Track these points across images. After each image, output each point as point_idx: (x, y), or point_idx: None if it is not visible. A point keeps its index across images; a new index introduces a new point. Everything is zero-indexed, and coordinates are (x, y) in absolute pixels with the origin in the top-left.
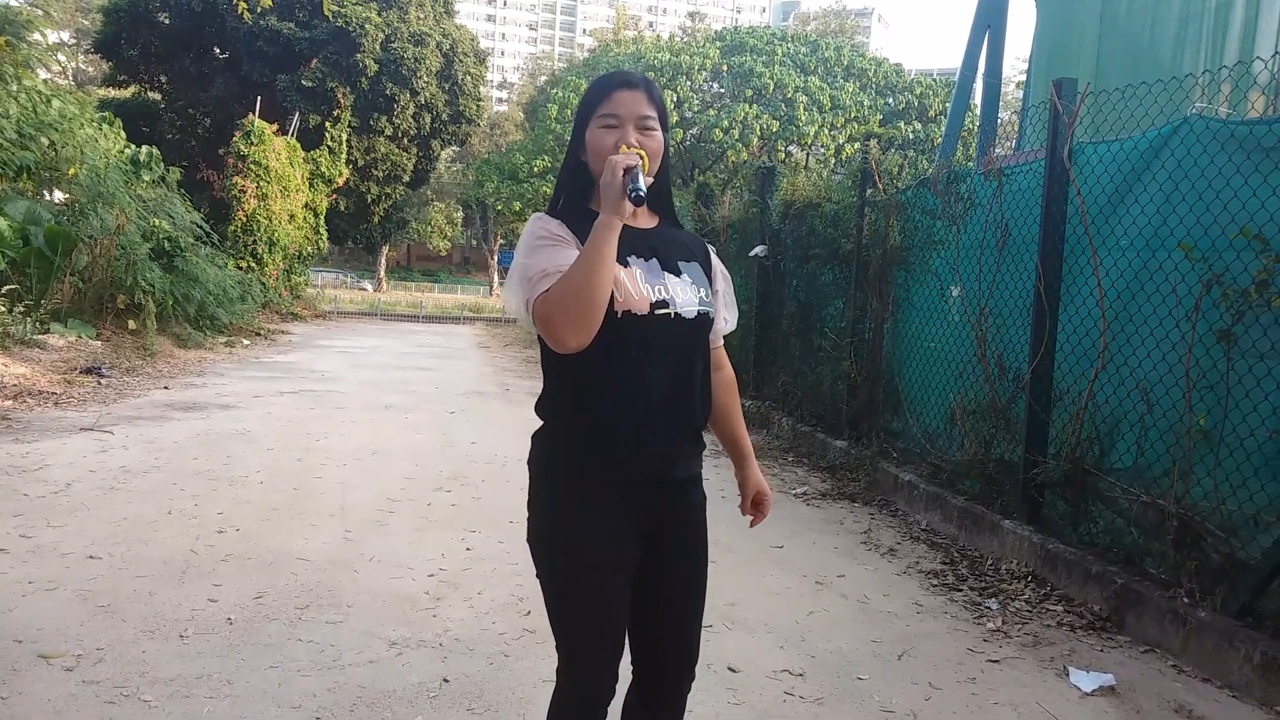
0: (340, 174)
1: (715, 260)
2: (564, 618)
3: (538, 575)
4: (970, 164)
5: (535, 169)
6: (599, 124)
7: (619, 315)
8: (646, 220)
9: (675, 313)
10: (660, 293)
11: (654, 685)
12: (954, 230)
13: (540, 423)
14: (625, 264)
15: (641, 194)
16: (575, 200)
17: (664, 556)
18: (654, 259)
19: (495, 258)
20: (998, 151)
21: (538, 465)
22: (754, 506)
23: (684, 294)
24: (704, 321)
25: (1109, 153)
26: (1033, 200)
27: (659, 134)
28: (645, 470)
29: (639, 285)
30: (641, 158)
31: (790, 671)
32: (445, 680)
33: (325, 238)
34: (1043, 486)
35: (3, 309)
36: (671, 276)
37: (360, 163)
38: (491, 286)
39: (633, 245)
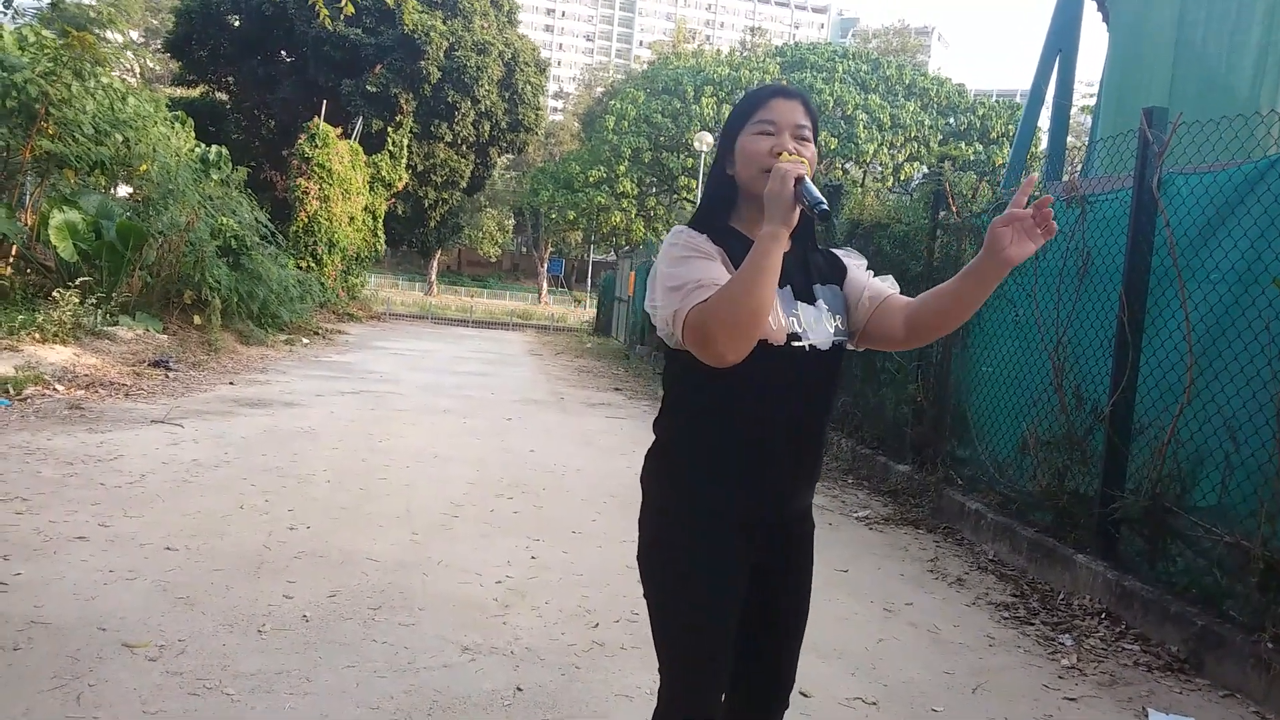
0: (400, 178)
1: (844, 257)
2: (669, 640)
3: (645, 594)
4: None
5: (590, 179)
6: (753, 130)
7: None
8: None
9: (809, 345)
10: (794, 324)
11: (746, 712)
12: (1032, 256)
13: (654, 439)
14: None
15: (825, 207)
16: (717, 218)
17: (769, 584)
18: (788, 286)
19: (545, 265)
20: (1065, 178)
21: (651, 483)
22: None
23: (819, 324)
24: (839, 353)
25: (1201, 184)
26: (1117, 229)
27: (813, 147)
28: (758, 507)
29: (777, 315)
30: (805, 164)
31: (863, 699)
32: (519, 689)
33: (383, 240)
34: (1120, 522)
35: (75, 300)
36: (805, 305)
37: (419, 168)
38: (540, 294)
39: None
